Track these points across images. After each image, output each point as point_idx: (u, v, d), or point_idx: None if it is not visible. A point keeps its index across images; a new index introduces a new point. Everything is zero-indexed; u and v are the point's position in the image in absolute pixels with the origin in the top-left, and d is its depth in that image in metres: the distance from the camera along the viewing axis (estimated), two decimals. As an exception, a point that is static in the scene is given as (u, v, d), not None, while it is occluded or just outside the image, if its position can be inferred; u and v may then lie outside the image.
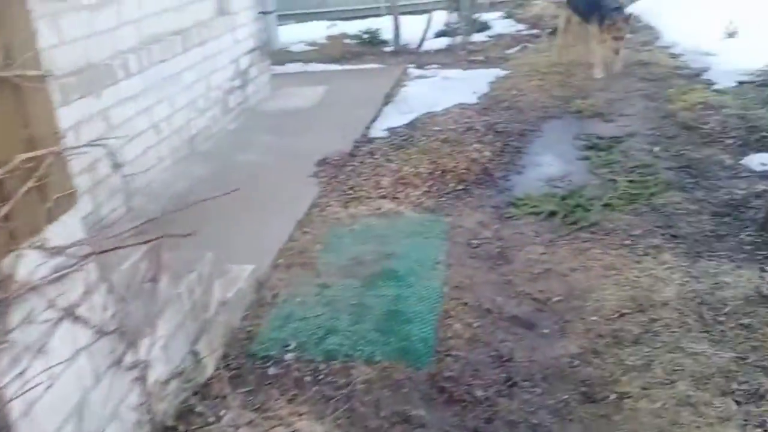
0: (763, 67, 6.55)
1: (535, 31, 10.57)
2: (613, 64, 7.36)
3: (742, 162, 4.81)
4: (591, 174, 4.91)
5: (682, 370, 2.60)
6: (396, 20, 10.17)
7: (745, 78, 6.58)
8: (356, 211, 4.49)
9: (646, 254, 3.63)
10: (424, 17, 10.32)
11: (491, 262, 3.80)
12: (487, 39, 10.51)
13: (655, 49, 8.28)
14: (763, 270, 3.34)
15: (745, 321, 2.93)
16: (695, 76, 6.95)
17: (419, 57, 9.61)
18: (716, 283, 3.24)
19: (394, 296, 3.47)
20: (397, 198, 4.64)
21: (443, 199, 4.66)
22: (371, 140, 5.84)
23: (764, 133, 5.06)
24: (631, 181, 4.64)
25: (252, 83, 7.13)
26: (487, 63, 8.80)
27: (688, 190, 4.43)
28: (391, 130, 6.07)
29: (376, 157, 5.35)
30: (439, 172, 4.97)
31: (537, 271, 3.61)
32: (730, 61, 7.02)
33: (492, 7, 12.50)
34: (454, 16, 10.28)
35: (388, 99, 7.07)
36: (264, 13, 8.42)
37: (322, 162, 5.27)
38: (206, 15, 6.28)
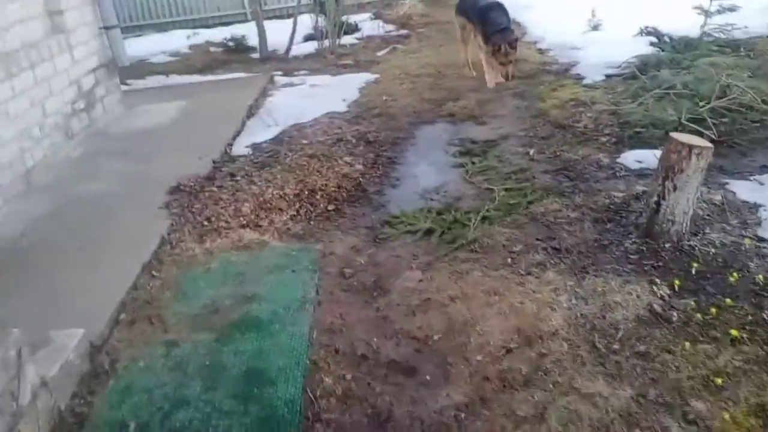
0: (629, 58, 6.57)
1: (404, 32, 10.36)
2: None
3: (618, 160, 4.69)
4: (467, 183, 4.63)
5: (579, 419, 2.29)
6: (260, 26, 9.62)
7: (612, 71, 6.59)
8: (214, 245, 3.95)
9: (529, 273, 3.35)
10: (291, 21, 9.83)
11: (366, 294, 3.40)
12: (356, 41, 10.18)
13: (522, 45, 8.22)
14: (652, 283, 3.14)
15: (641, 348, 2.69)
16: (564, 71, 6.91)
17: (287, 63, 9.13)
18: (606, 304, 3.00)
19: (254, 350, 2.97)
20: (260, 226, 4.14)
21: (312, 223, 4.21)
22: (233, 159, 5.29)
23: (637, 129, 4.98)
24: (508, 189, 4.40)
25: (99, 104, 6.37)
26: (356, 67, 8.45)
27: (567, 196, 4.24)
28: (255, 147, 5.55)
29: (237, 179, 4.81)
30: (308, 192, 4.52)
31: (415, 303, 3.24)
32: (596, 54, 7.05)
33: (360, 8, 12.22)
34: (321, 19, 9.83)
35: (252, 111, 6.52)
36: (106, 28, 7.63)
37: (176, 189, 4.66)
38: (36, 35, 5.51)
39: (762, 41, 7.03)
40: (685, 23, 7.25)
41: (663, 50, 6.76)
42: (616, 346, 2.72)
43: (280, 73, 8.43)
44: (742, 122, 4.86)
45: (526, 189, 4.38)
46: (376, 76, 7.76)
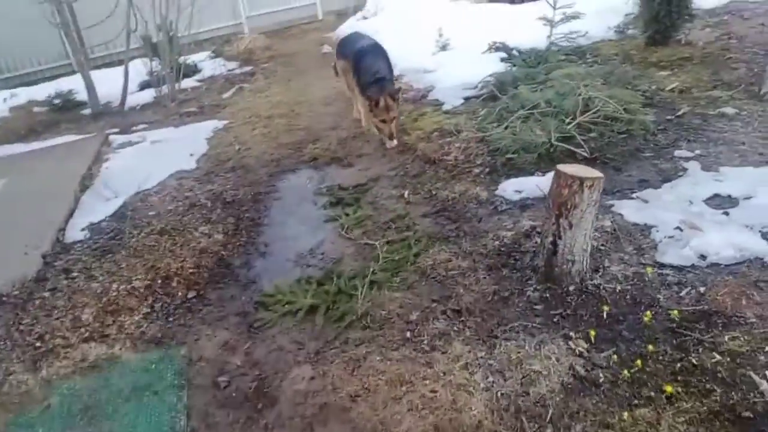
0: (485, 77, 6.42)
1: (248, 69, 9.78)
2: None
3: (497, 193, 4.42)
4: (344, 239, 4.17)
5: None
6: (87, 77, 8.64)
7: (470, 92, 6.41)
8: (51, 372, 3.20)
9: (434, 348, 2.94)
10: (123, 69, 8.92)
11: (249, 408, 2.82)
12: (197, 84, 9.47)
13: None
14: (567, 338, 2.83)
15: (577, 427, 2.34)
16: (421, 98, 6.64)
17: (123, 118, 8.25)
18: (526, 376, 2.64)
19: None
20: (106, 336, 3.42)
21: (171, 319, 3.55)
22: (67, 249, 4.47)
23: (509, 155, 4.76)
24: (390, 242, 3.99)
25: None
26: (202, 114, 7.76)
27: (453, 241, 3.89)
28: (93, 228, 4.76)
29: (73, 275, 4.04)
30: (161, 280, 3.85)
31: (311, 411, 2.71)
32: (450, 76, 6.86)
33: (197, 46, 11.46)
34: (156, 63, 8.99)
35: (86, 183, 5.65)
36: None
37: (-5, 301, 3.83)
38: None
39: (604, 45, 7.20)
40: (530, 35, 7.28)
41: (515, 65, 6.70)
42: (548, 430, 2.35)
43: (116, 130, 7.56)
44: (609, 135, 4.78)
45: (410, 239, 3.99)
46: (225, 122, 7.14)
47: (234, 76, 9.41)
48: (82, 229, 4.72)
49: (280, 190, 5.19)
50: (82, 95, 9.06)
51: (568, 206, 3.16)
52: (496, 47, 7.16)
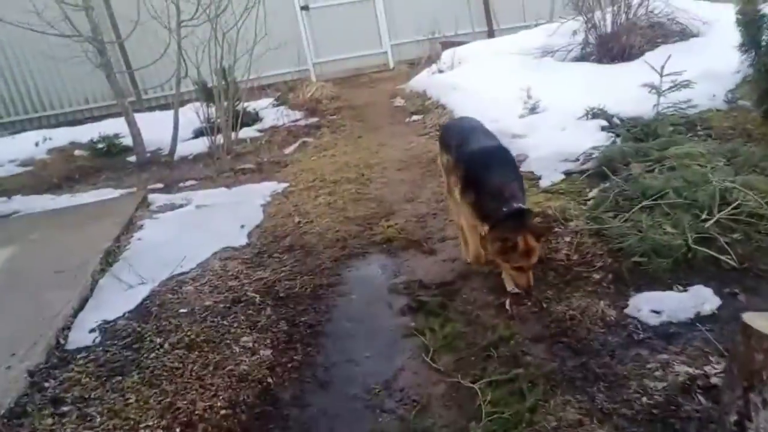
0: (587, 149, 5.42)
1: (313, 120, 9.03)
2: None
3: (628, 311, 3.37)
4: (430, 370, 3.17)
5: None
6: (132, 123, 8.02)
7: (570, 165, 5.40)
8: None
9: None
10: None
11: None
12: (257, 134, 8.77)
13: None
14: None
15: None
16: (513, 170, 5.67)
17: (171, 170, 7.58)
18: None
19: None
20: None
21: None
22: (66, 361, 3.52)
23: (636, 259, 3.71)
24: (494, 384, 2.96)
25: None
26: (259, 172, 6.99)
27: (580, 388, 2.85)
28: (107, 329, 3.83)
29: (63, 411, 3.08)
30: (180, 428, 2.88)
31: None
32: (544, 144, 5.85)
33: (260, 92, 10.86)
34: (212, 110, 8.32)
35: (110, 260, 4.78)
36: None
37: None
38: None
39: (713, 116, 6.11)
40: (629, 101, 6.25)
41: (618, 135, 5.67)
42: None
43: (159, 186, 6.87)
44: (756, 238, 3.71)
45: (520, 379, 2.96)
46: (285, 185, 6.31)
47: (298, 128, 8.66)
48: (92, 330, 3.80)
49: (347, 281, 4.25)
50: (129, 139, 8.45)
51: (764, 377, 2.12)
52: (593, 113, 6.15)
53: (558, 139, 5.85)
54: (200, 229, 5.22)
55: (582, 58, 8.42)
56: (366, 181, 6.07)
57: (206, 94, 8.54)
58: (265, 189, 6.26)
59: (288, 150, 7.72)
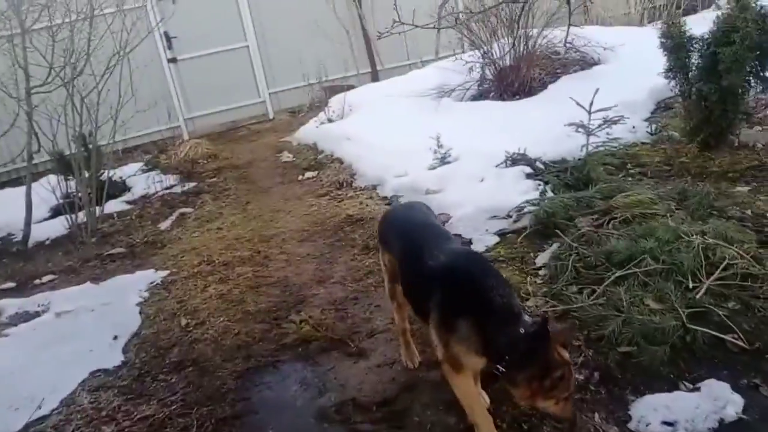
0: (519, 205, 4.77)
1: (191, 186, 7.91)
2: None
3: (632, 426, 2.65)
4: None
5: None
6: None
7: (503, 224, 4.72)
8: None
9: None
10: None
11: None
12: (126, 207, 7.55)
13: (358, 194, 6.19)
14: None
15: None
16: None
17: (25, 262, 6.23)
18: None
19: None
20: None
21: None
22: None
23: (624, 349, 3.02)
24: None
25: None
26: (132, 257, 5.82)
27: None
28: None
29: None
30: None
31: None
32: (465, 200, 5.16)
33: (126, 155, 9.64)
34: (73, 182, 7.05)
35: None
36: None
37: None
38: None
39: (641, 150, 5.77)
40: (549, 143, 5.77)
41: (546, 182, 5.11)
42: None
43: (10, 285, 5.56)
44: (757, 306, 3.14)
45: None
46: (164, 273, 5.21)
47: (173, 196, 7.52)
48: None
49: (258, 408, 3.27)
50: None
51: None
52: (513, 158, 5.57)
53: (480, 192, 5.20)
54: (63, 346, 4.05)
55: (481, 95, 7.95)
56: (264, 260, 5.10)
57: (64, 166, 7.26)
58: (141, 280, 5.13)
59: (164, 225, 6.59)
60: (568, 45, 7.92)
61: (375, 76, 11.62)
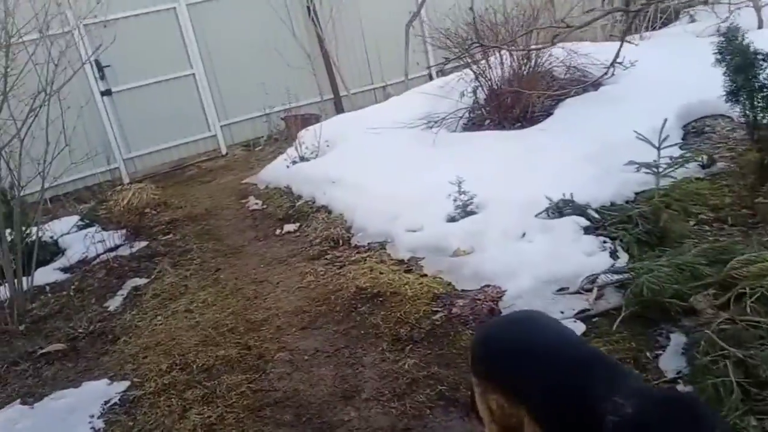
0: (588, 268, 3.71)
1: (142, 245, 6.51)
2: None
3: None
4: None
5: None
6: None
7: (576, 302, 3.63)
8: None
9: None
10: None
11: None
12: (62, 277, 6.13)
13: (364, 255, 4.96)
14: None
15: None
16: (490, 312, 3.77)
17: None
18: None
19: None
20: None
21: None
22: None
23: None
24: None
25: None
26: (75, 358, 4.48)
27: None
28: None
29: None
30: None
31: None
32: (511, 264, 4.08)
33: (57, 207, 8.15)
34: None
35: None
36: None
37: None
38: None
39: (701, 187, 4.77)
40: (587, 184, 4.75)
41: (613, 238, 4.08)
42: None
43: None
44: None
45: None
46: (122, 385, 3.89)
47: (121, 261, 6.09)
48: None
49: None
50: None
51: None
52: (557, 207, 4.52)
53: (530, 254, 4.11)
54: None
55: (474, 124, 6.90)
56: (259, 361, 3.85)
57: None
58: (91, 398, 3.80)
59: (113, 304, 5.22)
60: (567, 65, 6.99)
61: (338, 103, 10.46)
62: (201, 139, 9.99)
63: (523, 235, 4.38)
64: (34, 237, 6.10)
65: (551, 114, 6.50)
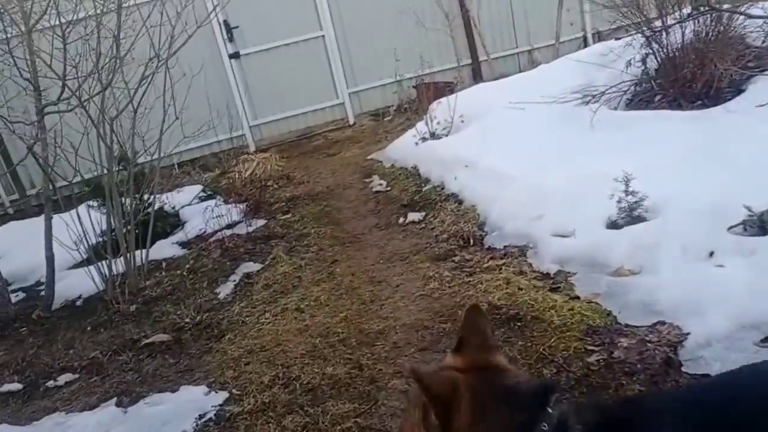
0: None
1: (259, 224, 6.13)
2: None
3: None
4: None
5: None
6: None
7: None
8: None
9: None
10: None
11: None
12: (179, 253, 5.89)
13: (498, 262, 4.18)
14: None
15: None
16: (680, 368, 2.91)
17: (45, 337, 4.69)
18: None
19: None
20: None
21: None
22: None
23: None
24: None
25: None
26: (177, 352, 4.16)
27: None
28: None
29: None
30: None
31: None
32: (696, 297, 3.16)
33: (181, 174, 8.02)
34: (111, 216, 5.43)
35: None
36: None
37: None
38: None
39: None
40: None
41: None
42: None
43: (16, 387, 4.03)
44: None
45: None
46: (220, 396, 3.47)
47: (237, 241, 5.71)
48: None
49: None
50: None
51: None
52: (761, 221, 3.49)
53: (721, 284, 3.15)
54: None
55: (643, 101, 5.82)
56: (370, 387, 3.25)
57: (97, 192, 5.74)
58: (187, 411, 3.40)
59: (224, 291, 4.85)
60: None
61: (477, 69, 9.58)
62: (329, 106, 9.53)
63: (711, 254, 3.42)
64: (153, 206, 5.88)
65: (743, 91, 5.31)
